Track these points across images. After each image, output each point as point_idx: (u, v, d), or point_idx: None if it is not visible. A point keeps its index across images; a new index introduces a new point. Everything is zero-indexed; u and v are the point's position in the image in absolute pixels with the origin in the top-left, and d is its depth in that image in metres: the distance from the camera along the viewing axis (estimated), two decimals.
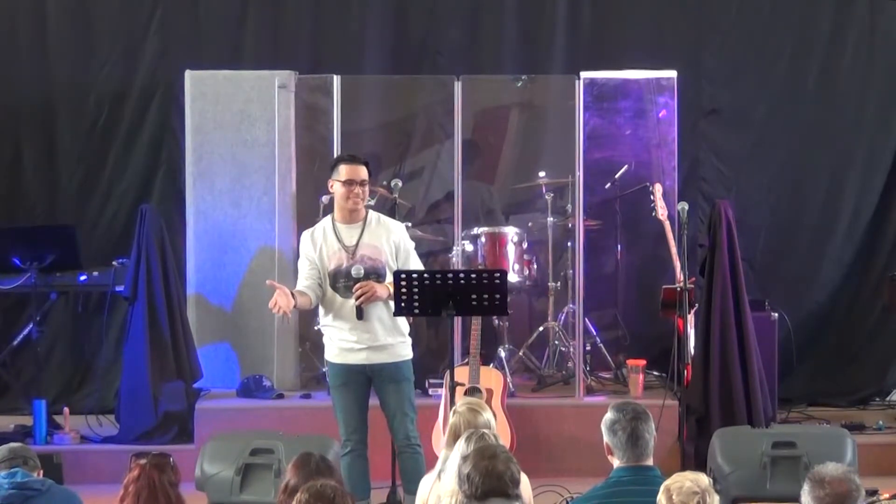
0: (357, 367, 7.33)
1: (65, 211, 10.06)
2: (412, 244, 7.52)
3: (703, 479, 4.45)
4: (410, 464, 7.32)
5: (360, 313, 7.21)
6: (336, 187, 7.36)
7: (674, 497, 4.39)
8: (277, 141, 9.43)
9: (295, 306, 7.31)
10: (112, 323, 9.65)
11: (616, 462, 5.17)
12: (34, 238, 9.24)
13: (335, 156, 7.79)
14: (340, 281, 7.30)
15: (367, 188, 7.38)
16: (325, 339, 7.49)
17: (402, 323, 7.41)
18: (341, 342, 7.35)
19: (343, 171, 7.33)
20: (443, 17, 10.21)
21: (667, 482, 4.46)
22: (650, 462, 5.15)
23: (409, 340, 7.44)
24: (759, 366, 8.74)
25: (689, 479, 4.44)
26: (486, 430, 5.40)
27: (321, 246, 7.36)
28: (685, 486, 4.40)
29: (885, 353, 10.07)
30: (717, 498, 4.42)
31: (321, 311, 7.46)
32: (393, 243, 7.37)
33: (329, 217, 7.48)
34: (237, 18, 10.15)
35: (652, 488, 4.69)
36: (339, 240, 7.34)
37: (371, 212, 7.46)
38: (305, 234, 7.51)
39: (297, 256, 9.44)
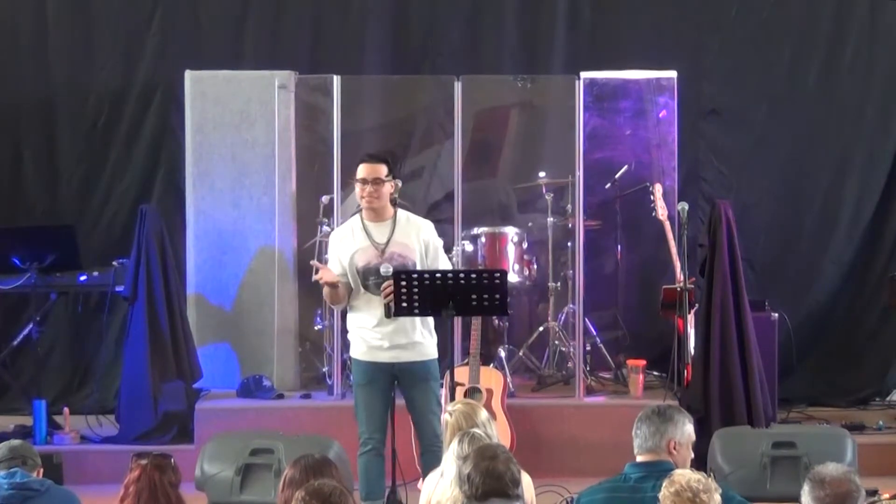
0: (384, 366, 7.28)
1: (65, 211, 10.06)
2: (441, 242, 7.51)
3: (709, 481, 4.44)
4: (437, 462, 7.30)
5: (388, 311, 7.15)
6: (356, 186, 7.36)
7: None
8: (277, 141, 9.42)
9: (337, 288, 7.24)
10: (112, 323, 9.64)
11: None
12: (34, 238, 9.23)
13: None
14: (370, 279, 7.25)
15: (383, 186, 7.28)
16: (351, 337, 7.43)
17: (430, 322, 7.37)
18: (370, 339, 7.30)
19: (358, 170, 7.32)
20: (443, 18, 10.21)
21: (671, 479, 4.44)
22: (657, 457, 5.11)
23: (435, 339, 7.43)
24: (759, 366, 8.73)
25: (693, 478, 4.42)
26: (476, 431, 5.43)
27: (349, 244, 7.31)
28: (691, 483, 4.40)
29: (885, 353, 10.06)
30: (717, 497, 4.41)
31: (349, 307, 7.41)
32: (423, 241, 7.34)
33: (357, 216, 7.43)
34: (237, 18, 10.14)
35: (645, 484, 4.81)
36: (370, 237, 7.31)
37: (400, 210, 7.43)
38: (334, 235, 7.52)
39: (297, 256, 9.53)
